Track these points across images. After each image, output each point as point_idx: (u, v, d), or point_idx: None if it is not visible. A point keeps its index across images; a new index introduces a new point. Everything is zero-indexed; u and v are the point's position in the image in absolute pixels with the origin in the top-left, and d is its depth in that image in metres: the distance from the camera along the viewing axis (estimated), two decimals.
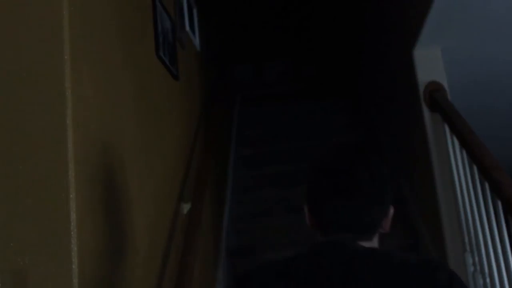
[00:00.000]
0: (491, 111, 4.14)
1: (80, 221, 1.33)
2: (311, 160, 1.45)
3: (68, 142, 1.34)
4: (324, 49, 6.15)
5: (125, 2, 1.98)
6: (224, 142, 4.43)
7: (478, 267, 2.56)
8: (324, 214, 1.34)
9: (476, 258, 2.57)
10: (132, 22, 2.04)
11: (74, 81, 1.40)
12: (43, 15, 1.41)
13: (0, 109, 1.37)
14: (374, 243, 1.33)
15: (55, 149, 1.35)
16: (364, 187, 1.31)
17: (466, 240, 2.70)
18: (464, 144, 2.66)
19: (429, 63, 3.18)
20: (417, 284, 1.23)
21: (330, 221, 1.33)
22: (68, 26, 1.42)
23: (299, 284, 1.26)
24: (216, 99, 3.83)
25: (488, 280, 2.44)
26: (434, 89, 3.09)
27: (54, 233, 1.30)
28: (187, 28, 3.13)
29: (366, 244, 1.30)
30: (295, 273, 1.28)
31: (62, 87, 1.37)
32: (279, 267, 1.31)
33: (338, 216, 1.31)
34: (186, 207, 2.49)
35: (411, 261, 1.29)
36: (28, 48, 1.40)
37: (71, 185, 1.32)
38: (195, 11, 3.51)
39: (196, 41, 3.45)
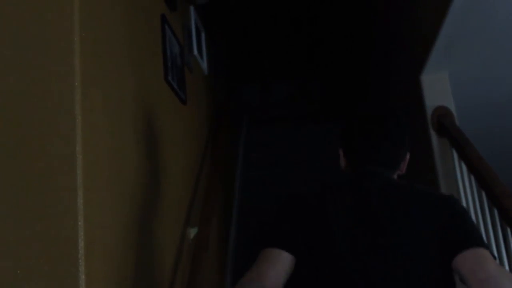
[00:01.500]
0: (499, 133, 4.13)
1: (88, 248, 1.32)
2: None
3: (77, 168, 1.34)
4: (332, 70, 6.16)
5: (135, 27, 1.99)
6: (230, 165, 4.43)
7: None
8: (359, 152, 1.68)
9: None
10: (141, 47, 2.05)
11: (84, 107, 1.40)
12: (54, 41, 1.42)
13: (10, 134, 1.37)
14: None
15: (64, 176, 1.34)
16: (392, 132, 1.66)
17: None
18: (472, 170, 2.64)
19: (437, 88, 3.19)
20: (439, 209, 1.54)
21: (364, 157, 1.66)
22: (79, 52, 1.42)
23: (343, 202, 1.57)
24: (223, 122, 3.84)
25: None
26: (442, 114, 3.09)
27: (61, 261, 1.29)
28: (195, 52, 3.15)
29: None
30: (337, 194, 1.60)
31: (72, 114, 1.37)
32: (323, 189, 1.63)
33: (371, 153, 1.65)
34: (192, 232, 2.48)
35: (433, 192, 1.66)
36: (39, 73, 1.40)
37: (80, 212, 1.32)
38: (203, 35, 3.53)
39: (204, 64, 3.46)
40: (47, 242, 1.30)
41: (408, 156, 1.70)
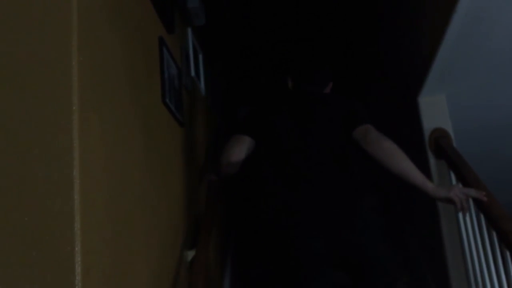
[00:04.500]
0: (496, 156, 4.13)
1: (85, 274, 1.31)
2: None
3: (74, 193, 1.33)
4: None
5: (132, 50, 1.99)
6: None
7: None
8: (299, 77, 2.71)
9: None
10: (139, 69, 2.05)
11: (82, 131, 1.39)
12: (52, 65, 1.42)
13: (6, 158, 1.36)
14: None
15: (61, 200, 1.33)
16: (320, 70, 2.74)
17: None
18: None
19: (434, 110, 3.20)
20: (344, 104, 2.51)
21: (302, 79, 2.70)
22: (76, 75, 1.42)
23: (286, 107, 2.56)
24: (221, 142, 3.83)
25: None
26: (440, 136, 3.09)
27: (58, 287, 1.28)
28: (193, 73, 3.15)
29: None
30: (282, 102, 2.62)
31: (69, 137, 1.36)
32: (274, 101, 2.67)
33: (307, 77, 2.70)
34: (190, 254, 2.46)
35: (343, 97, 2.58)
36: (36, 97, 1.39)
37: (77, 237, 1.30)
38: (200, 56, 3.53)
39: (201, 86, 3.47)
40: (44, 268, 1.29)
41: (331, 83, 2.73)
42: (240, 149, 2.50)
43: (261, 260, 2.99)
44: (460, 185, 2.48)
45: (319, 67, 2.75)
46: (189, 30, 3.26)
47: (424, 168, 3.16)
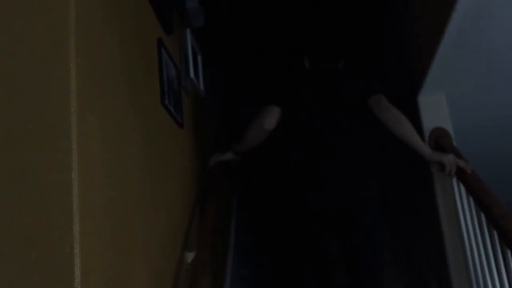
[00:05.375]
0: (496, 155, 4.13)
1: (85, 276, 1.30)
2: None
3: (73, 195, 1.32)
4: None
5: (131, 52, 1.99)
6: (228, 187, 4.41)
7: None
8: (317, 56, 3.11)
9: None
10: (138, 71, 2.05)
11: (80, 133, 1.39)
12: (50, 67, 1.41)
13: (4, 161, 1.36)
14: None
15: (60, 202, 1.33)
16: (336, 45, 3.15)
17: None
18: (471, 191, 2.64)
19: (434, 109, 3.19)
20: (359, 79, 2.95)
21: (320, 58, 3.10)
22: (75, 77, 1.41)
23: (308, 84, 3.00)
24: (220, 144, 3.82)
25: None
26: (440, 135, 3.09)
27: None
28: (192, 75, 3.15)
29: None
30: (305, 80, 3.07)
31: (68, 140, 1.36)
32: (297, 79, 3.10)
33: (324, 54, 3.10)
34: (190, 256, 2.46)
35: (352, 71, 3.04)
36: (34, 99, 1.39)
37: (76, 240, 1.30)
38: (199, 57, 3.53)
39: (201, 87, 3.46)
40: (43, 270, 1.28)
41: (343, 60, 3.09)
42: (272, 119, 2.91)
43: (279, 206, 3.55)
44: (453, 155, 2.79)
45: (333, 46, 3.12)
46: (188, 31, 3.25)
47: (424, 167, 3.16)
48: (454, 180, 2.88)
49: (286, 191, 2.94)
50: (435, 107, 3.19)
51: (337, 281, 2.87)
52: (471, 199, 2.68)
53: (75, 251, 1.29)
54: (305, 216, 2.80)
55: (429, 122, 3.17)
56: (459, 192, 2.84)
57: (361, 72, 3.03)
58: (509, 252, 2.23)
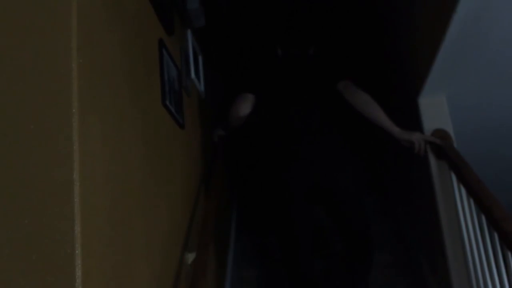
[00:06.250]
0: (497, 157, 4.13)
1: (86, 277, 1.30)
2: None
3: (74, 196, 1.32)
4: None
5: (132, 52, 1.99)
6: (228, 188, 4.41)
7: None
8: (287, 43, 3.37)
9: None
10: (139, 72, 2.05)
11: (81, 134, 1.39)
12: (51, 68, 1.41)
13: (6, 161, 1.36)
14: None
15: (61, 203, 1.33)
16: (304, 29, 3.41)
17: None
18: (471, 193, 2.63)
19: (435, 110, 3.19)
20: (324, 64, 3.26)
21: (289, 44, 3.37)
22: (76, 78, 1.41)
23: (278, 67, 3.34)
24: (220, 145, 3.82)
25: None
26: (440, 136, 3.08)
27: None
28: (193, 75, 3.15)
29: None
30: (277, 62, 3.38)
31: (69, 140, 1.36)
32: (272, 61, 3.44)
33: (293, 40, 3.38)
34: (190, 257, 2.46)
35: (323, 56, 3.35)
36: (36, 100, 1.39)
37: (77, 241, 1.30)
38: (200, 58, 3.53)
39: (201, 88, 3.46)
40: (44, 271, 1.28)
41: (313, 46, 3.37)
42: (246, 105, 3.21)
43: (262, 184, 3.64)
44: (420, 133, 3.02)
45: (301, 32, 3.38)
46: (189, 32, 3.26)
47: (425, 168, 3.16)
48: (455, 181, 2.88)
49: (266, 171, 3.16)
50: (436, 108, 3.19)
51: (329, 251, 3.35)
52: (471, 201, 2.68)
53: (76, 251, 1.29)
54: (285, 192, 3.02)
55: (429, 124, 3.17)
56: (460, 194, 2.84)
57: (332, 57, 3.35)
58: (509, 254, 2.23)
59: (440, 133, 3.11)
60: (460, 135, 3.15)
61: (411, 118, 3.37)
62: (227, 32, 4.89)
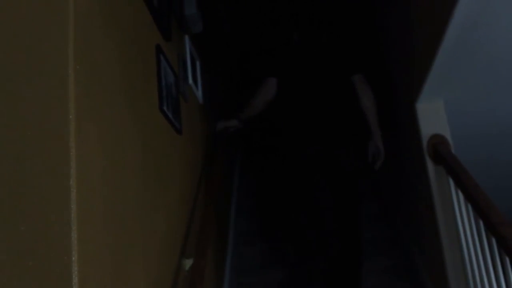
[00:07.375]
0: (495, 162, 4.13)
1: (83, 283, 1.30)
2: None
3: (71, 202, 1.32)
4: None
5: (129, 58, 1.99)
6: (226, 193, 4.40)
7: None
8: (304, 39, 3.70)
9: None
10: (136, 77, 2.05)
11: (78, 141, 1.38)
12: (48, 74, 1.41)
13: (2, 168, 1.35)
14: None
15: (58, 209, 1.32)
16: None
17: None
18: (469, 198, 2.63)
19: (432, 116, 3.19)
20: (347, 54, 3.68)
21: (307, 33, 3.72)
22: (73, 84, 1.41)
23: (298, 56, 3.66)
24: (218, 151, 3.82)
25: None
26: (438, 142, 3.09)
27: None
28: (190, 81, 3.15)
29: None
30: (295, 51, 3.70)
31: (66, 147, 1.35)
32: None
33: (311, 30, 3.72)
34: (188, 263, 2.45)
35: (340, 44, 3.71)
36: (32, 106, 1.39)
37: (74, 247, 1.29)
38: (198, 64, 3.53)
39: (199, 93, 3.46)
40: (40, 278, 1.28)
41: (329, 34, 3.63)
42: (273, 90, 3.56)
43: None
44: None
45: (316, 20, 3.66)
46: (187, 38, 3.26)
47: (423, 174, 3.16)
48: (452, 186, 2.88)
49: (282, 146, 3.56)
50: (433, 114, 3.19)
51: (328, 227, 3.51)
52: (469, 206, 2.68)
53: (73, 258, 1.28)
54: (297, 161, 3.47)
55: (427, 129, 3.17)
56: (457, 199, 2.84)
57: (345, 47, 3.67)
58: (507, 259, 2.23)
59: (438, 139, 3.12)
60: (457, 140, 3.15)
61: (408, 123, 3.37)
62: (225, 41, 4.91)
